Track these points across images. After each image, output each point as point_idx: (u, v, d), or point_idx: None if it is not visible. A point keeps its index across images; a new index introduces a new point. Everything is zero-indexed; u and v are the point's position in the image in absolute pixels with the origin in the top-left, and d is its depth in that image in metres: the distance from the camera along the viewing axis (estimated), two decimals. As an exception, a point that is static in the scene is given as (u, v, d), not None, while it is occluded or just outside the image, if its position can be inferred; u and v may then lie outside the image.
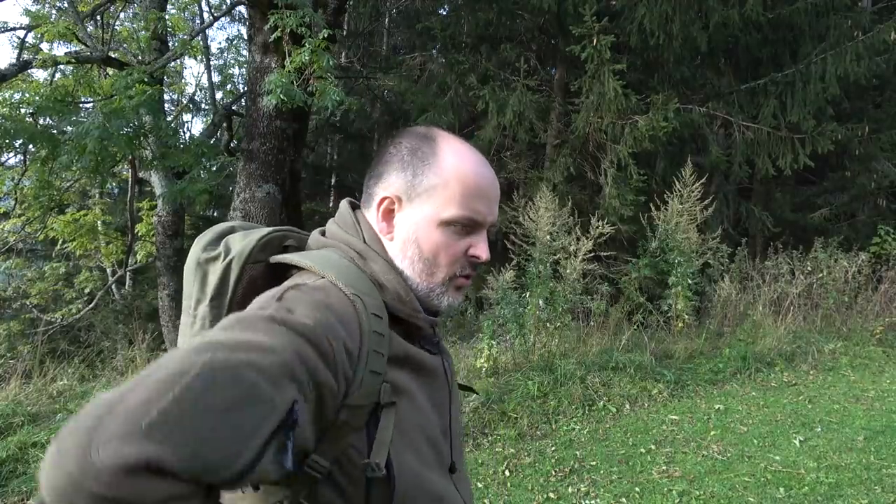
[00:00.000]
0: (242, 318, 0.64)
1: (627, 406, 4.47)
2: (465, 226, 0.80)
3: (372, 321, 0.72)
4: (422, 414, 0.79)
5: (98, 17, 6.98)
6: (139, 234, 8.35)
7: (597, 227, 5.76)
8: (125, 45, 8.07)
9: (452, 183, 0.79)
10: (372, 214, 0.84)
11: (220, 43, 32.29)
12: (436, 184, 0.79)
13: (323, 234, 0.87)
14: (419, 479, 0.75)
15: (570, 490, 3.26)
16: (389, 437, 0.70)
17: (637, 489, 3.29)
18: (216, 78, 12.46)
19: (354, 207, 0.88)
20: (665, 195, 6.49)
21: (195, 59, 11.76)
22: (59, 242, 8.78)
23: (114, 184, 11.14)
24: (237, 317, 0.65)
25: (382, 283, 0.79)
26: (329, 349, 0.64)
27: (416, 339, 0.82)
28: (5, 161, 6.78)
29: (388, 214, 0.82)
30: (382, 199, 0.82)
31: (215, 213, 11.99)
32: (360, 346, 0.69)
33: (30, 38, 5.95)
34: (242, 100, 8.03)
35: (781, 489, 3.33)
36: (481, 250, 0.81)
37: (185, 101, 12.93)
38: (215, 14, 9.11)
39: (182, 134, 11.21)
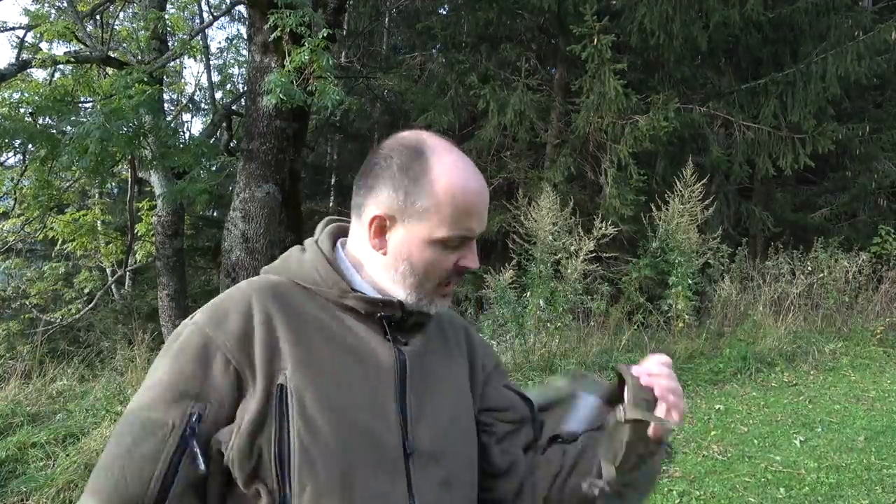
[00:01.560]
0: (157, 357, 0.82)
1: (628, 406, 4.46)
2: (456, 243, 0.83)
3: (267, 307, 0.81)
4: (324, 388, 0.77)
5: (97, 17, 6.97)
6: (139, 234, 8.34)
7: (599, 228, 5.76)
8: (125, 44, 8.06)
9: (444, 204, 0.81)
10: (363, 229, 0.86)
11: (219, 43, 32.31)
12: (428, 206, 0.81)
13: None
14: (309, 458, 0.73)
15: (570, 490, 3.25)
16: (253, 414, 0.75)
17: None
18: (216, 78, 12.44)
19: (331, 222, 0.95)
20: (665, 195, 6.49)
21: (195, 58, 11.76)
22: (59, 242, 8.78)
23: (113, 184, 11.15)
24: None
25: (308, 270, 0.86)
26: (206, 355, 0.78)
27: (364, 319, 0.84)
28: (5, 161, 6.77)
29: (381, 231, 0.84)
30: (374, 218, 0.84)
31: (215, 213, 11.98)
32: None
33: (29, 38, 5.95)
34: (242, 100, 8.02)
35: (782, 489, 3.32)
36: (470, 261, 0.85)
37: (184, 101, 12.93)
38: (215, 14, 9.10)
39: (182, 134, 11.21)
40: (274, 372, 0.75)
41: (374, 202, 0.84)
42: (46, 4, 7.80)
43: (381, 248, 0.84)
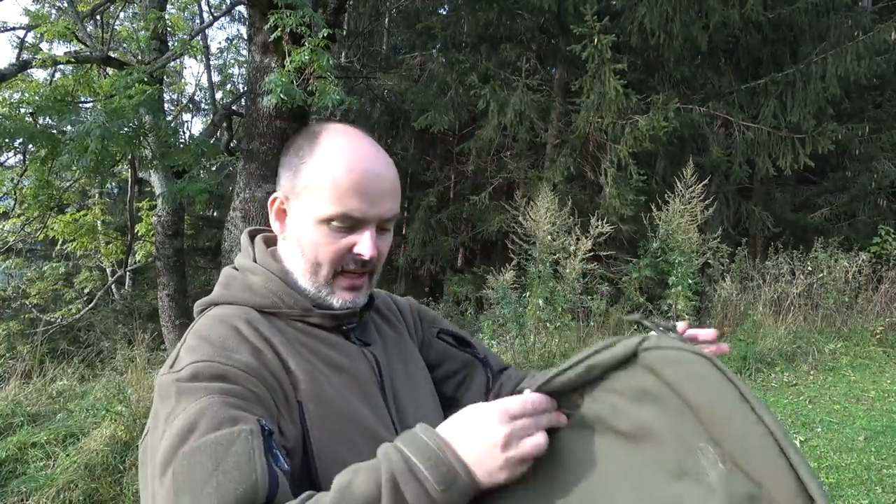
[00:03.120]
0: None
1: (628, 406, 4.46)
2: (343, 224, 0.78)
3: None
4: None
5: (98, 17, 6.97)
6: (139, 233, 8.34)
7: (596, 227, 5.76)
8: (125, 44, 8.07)
9: (326, 180, 0.78)
10: (270, 209, 0.86)
11: (220, 43, 32.33)
12: (310, 182, 0.79)
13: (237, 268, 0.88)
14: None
15: (570, 490, 3.25)
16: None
17: None
18: (216, 78, 12.48)
19: (254, 235, 0.91)
20: (665, 195, 6.49)
21: (195, 58, 11.77)
22: (59, 242, 8.78)
23: (113, 184, 11.15)
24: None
25: (263, 294, 0.81)
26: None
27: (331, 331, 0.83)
28: (5, 161, 6.77)
29: (281, 214, 0.84)
30: (273, 199, 0.84)
31: (215, 213, 11.99)
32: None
33: (29, 38, 5.95)
34: (242, 100, 8.02)
35: (782, 489, 3.32)
36: (364, 248, 0.79)
37: (184, 101, 12.93)
38: (215, 14, 9.10)
39: (182, 134, 11.21)
40: (294, 387, 0.74)
41: (278, 187, 0.85)
42: (46, 4, 7.80)
43: (282, 231, 0.85)
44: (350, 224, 0.79)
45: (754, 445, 0.49)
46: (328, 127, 0.83)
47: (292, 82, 4.16)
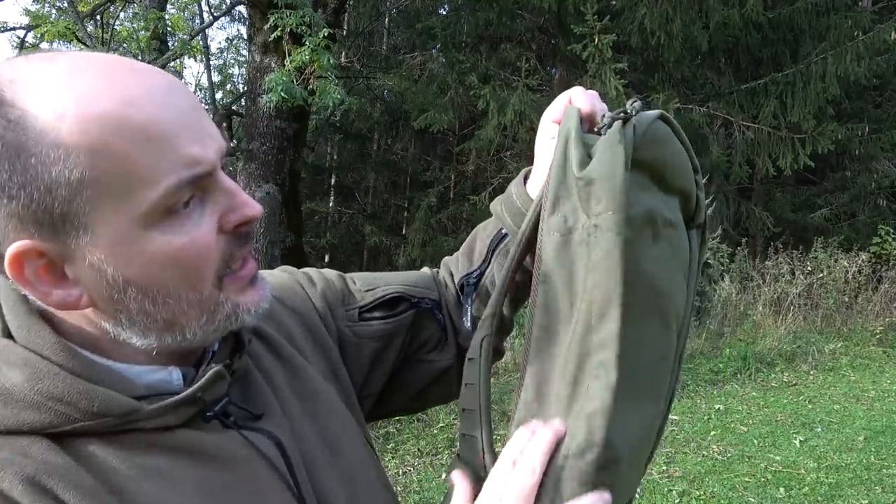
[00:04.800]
0: None
1: (627, 406, 4.46)
2: (190, 192, 0.44)
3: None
4: None
5: (98, 17, 6.98)
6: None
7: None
8: (125, 44, 8.07)
9: (108, 151, 0.41)
10: (26, 288, 0.44)
11: (219, 43, 32.34)
12: (80, 177, 0.41)
13: None
14: None
15: (570, 490, 3.25)
16: None
17: (637, 489, 3.29)
18: (216, 78, 12.50)
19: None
20: (665, 195, 6.50)
21: (195, 58, 11.78)
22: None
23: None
24: None
25: (36, 404, 0.42)
26: None
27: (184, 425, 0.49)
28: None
29: (55, 277, 0.44)
30: (16, 261, 0.42)
31: (215, 213, 11.98)
32: None
33: (30, 38, 5.96)
34: (242, 100, 8.03)
35: (781, 489, 3.33)
36: (240, 206, 0.47)
37: (185, 101, 12.92)
38: (215, 14, 9.11)
39: (182, 134, 11.19)
40: None
41: (4, 245, 0.42)
42: (46, 4, 7.81)
43: (80, 299, 0.44)
44: (195, 187, 0.44)
45: (685, 168, 0.66)
46: (9, 77, 0.41)
47: (293, 81, 4.17)
